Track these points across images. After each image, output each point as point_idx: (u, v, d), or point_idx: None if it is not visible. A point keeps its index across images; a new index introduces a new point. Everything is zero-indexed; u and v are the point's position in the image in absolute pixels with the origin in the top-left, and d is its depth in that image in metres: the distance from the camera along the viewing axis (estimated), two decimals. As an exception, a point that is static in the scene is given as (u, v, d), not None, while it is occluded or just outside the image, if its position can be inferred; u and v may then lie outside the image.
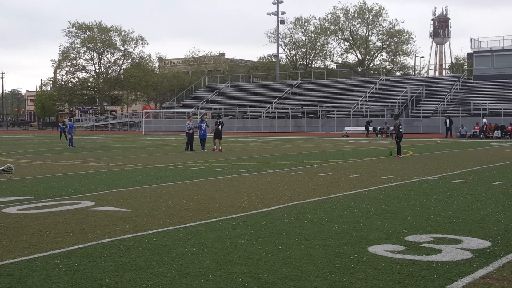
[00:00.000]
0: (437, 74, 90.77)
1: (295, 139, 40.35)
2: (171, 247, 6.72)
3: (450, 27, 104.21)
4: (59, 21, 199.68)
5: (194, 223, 8.25)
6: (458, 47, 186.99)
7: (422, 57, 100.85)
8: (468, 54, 79.70)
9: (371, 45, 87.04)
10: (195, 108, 63.36)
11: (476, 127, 43.48)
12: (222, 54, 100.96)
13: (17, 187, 12.55)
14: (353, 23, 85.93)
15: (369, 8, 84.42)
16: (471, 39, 58.61)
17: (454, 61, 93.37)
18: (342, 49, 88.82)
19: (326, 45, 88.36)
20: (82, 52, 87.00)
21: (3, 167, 8.54)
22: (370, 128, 48.25)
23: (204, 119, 27.58)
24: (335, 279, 5.44)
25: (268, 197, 10.75)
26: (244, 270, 5.74)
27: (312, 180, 13.65)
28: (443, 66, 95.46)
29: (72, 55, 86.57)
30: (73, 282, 5.35)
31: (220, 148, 25.26)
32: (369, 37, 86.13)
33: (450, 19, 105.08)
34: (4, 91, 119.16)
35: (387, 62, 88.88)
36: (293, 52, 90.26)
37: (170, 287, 5.20)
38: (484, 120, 44.92)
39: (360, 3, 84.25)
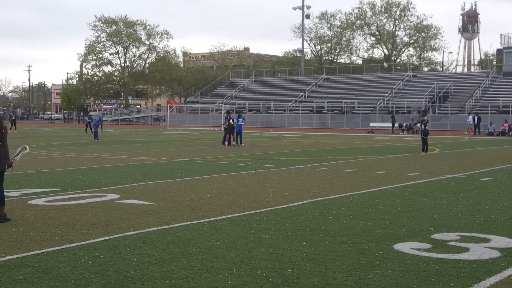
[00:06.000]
0: (465, 70, 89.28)
1: (319, 135, 40.15)
2: (196, 241, 6.74)
3: (480, 22, 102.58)
4: (85, 15, 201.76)
5: (218, 217, 8.26)
6: (488, 42, 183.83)
7: (450, 52, 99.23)
8: (498, 50, 78.23)
9: (398, 40, 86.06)
10: (219, 103, 63.52)
11: (505, 125, 42.66)
12: (247, 49, 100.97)
13: (44, 179, 12.74)
14: (380, 17, 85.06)
15: (397, 2, 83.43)
16: (501, 34, 57.51)
17: (483, 57, 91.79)
18: (368, 44, 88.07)
19: (352, 40, 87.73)
20: (107, 46, 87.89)
21: (17, 151, 8.58)
22: (396, 125, 47.67)
23: (241, 114, 28.80)
24: (360, 276, 5.38)
25: (292, 193, 10.71)
26: (268, 265, 5.72)
27: (337, 176, 13.55)
28: (472, 62, 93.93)
29: (98, 49, 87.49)
30: (98, 274, 5.40)
31: (234, 143, 26.63)
32: (396, 32, 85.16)
33: (479, 14, 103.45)
34: (31, 84, 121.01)
35: (414, 58, 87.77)
36: (318, 47, 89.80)
37: (195, 281, 5.21)
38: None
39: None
